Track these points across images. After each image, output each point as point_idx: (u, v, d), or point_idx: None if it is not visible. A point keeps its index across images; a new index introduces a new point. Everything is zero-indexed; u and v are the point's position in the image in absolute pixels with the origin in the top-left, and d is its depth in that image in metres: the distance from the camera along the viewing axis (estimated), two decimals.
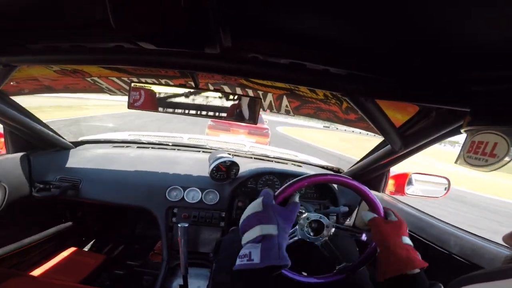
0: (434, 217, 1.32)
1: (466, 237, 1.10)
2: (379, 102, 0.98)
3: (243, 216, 0.80)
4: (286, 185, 0.87)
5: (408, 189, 1.66)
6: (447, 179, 1.68)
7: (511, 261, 0.45)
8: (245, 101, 1.09)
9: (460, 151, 0.71)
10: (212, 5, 0.52)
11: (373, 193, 0.95)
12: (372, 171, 1.60)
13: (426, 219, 1.31)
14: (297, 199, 0.85)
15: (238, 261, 0.70)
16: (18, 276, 1.20)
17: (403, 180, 1.66)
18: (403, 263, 0.78)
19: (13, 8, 0.68)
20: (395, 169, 1.65)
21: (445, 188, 1.68)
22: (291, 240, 1.04)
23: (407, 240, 0.86)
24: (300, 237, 1.03)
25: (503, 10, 0.42)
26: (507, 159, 0.58)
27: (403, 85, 0.79)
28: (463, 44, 0.57)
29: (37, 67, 1.25)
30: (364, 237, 1.00)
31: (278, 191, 0.86)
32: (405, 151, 1.20)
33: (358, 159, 1.72)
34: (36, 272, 1.58)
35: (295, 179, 0.89)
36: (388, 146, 1.26)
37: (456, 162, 0.71)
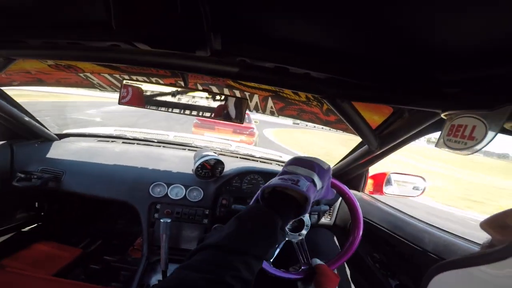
0: (410, 216, 1.37)
1: (439, 234, 1.15)
2: (356, 104, 1.04)
3: (307, 158, 0.85)
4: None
5: (387, 189, 1.71)
6: (423, 178, 1.75)
7: (488, 247, 0.43)
8: (232, 102, 1.13)
9: (440, 135, 0.74)
10: (205, 13, 0.57)
11: (353, 193, 1.02)
12: (351, 171, 1.65)
13: (403, 217, 1.37)
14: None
15: (278, 180, 0.75)
16: None
17: (381, 180, 1.70)
18: None
19: (15, 5, 0.71)
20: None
21: (422, 188, 1.74)
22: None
23: None
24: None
25: (469, 16, 0.47)
26: (485, 141, 0.60)
27: (378, 88, 0.84)
28: (434, 48, 0.61)
29: (31, 60, 1.27)
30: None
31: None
32: (381, 151, 1.27)
33: None
34: (8, 263, 1.55)
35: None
36: (366, 147, 1.32)
37: (436, 145, 0.74)
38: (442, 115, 0.77)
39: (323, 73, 0.85)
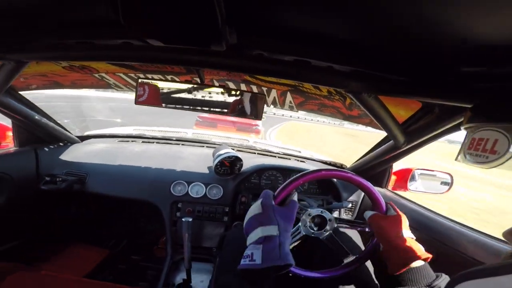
0: (437, 213, 1.32)
1: (468, 233, 1.10)
2: (382, 98, 0.99)
3: (246, 218, 0.82)
4: (285, 183, 0.89)
5: (411, 185, 1.66)
6: (450, 175, 1.67)
7: (511, 257, 0.44)
8: (247, 97, 1.10)
9: (461, 148, 0.71)
10: (219, 5, 0.53)
11: (376, 189, 0.96)
12: (375, 167, 1.60)
13: (429, 214, 1.32)
14: (295, 197, 0.87)
15: (242, 261, 0.71)
16: (24, 270, 1.22)
17: (406, 176, 1.66)
18: (405, 255, 0.80)
19: (22, 6, 0.69)
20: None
21: (448, 184, 1.67)
22: (296, 238, 1.06)
23: (407, 233, 0.87)
24: (304, 233, 1.04)
25: (504, 9, 0.43)
26: (507, 155, 0.58)
27: (406, 81, 0.80)
28: (465, 40, 0.57)
29: (46, 63, 1.27)
30: (368, 229, 1.01)
31: (278, 190, 0.88)
32: (407, 147, 1.21)
33: None
34: (41, 266, 1.60)
35: (292, 177, 0.90)
36: (391, 142, 1.27)
37: (456, 159, 0.72)
38: (462, 128, 0.74)
39: (347, 66, 0.80)
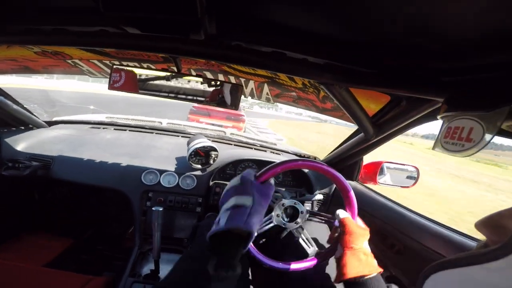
0: (404, 206, 1.37)
1: (435, 227, 1.15)
2: (353, 91, 1.03)
3: (224, 191, 0.83)
4: (268, 166, 0.91)
5: (380, 178, 1.70)
6: (417, 168, 1.74)
7: (483, 247, 0.43)
8: (227, 87, 1.11)
9: (437, 137, 0.73)
10: None
11: (352, 194, 1.00)
12: (346, 159, 1.65)
13: (397, 208, 1.37)
14: (272, 181, 0.89)
15: (211, 229, 0.72)
16: None
17: (375, 169, 1.69)
18: (364, 266, 0.84)
19: None
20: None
21: (414, 178, 1.73)
22: (267, 227, 1.08)
23: (367, 246, 0.93)
24: (275, 223, 1.07)
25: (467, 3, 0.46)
26: (482, 143, 0.59)
27: (375, 74, 0.83)
28: (433, 36, 0.60)
29: (17, 48, 1.21)
30: (336, 223, 1.03)
31: (261, 171, 0.89)
32: (377, 139, 1.26)
33: None
34: None
35: (277, 162, 0.93)
36: (362, 134, 1.31)
37: (433, 148, 0.73)
38: (439, 117, 0.76)
39: (321, 58, 0.83)
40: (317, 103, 1.44)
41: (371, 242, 0.97)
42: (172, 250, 1.56)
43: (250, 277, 1.26)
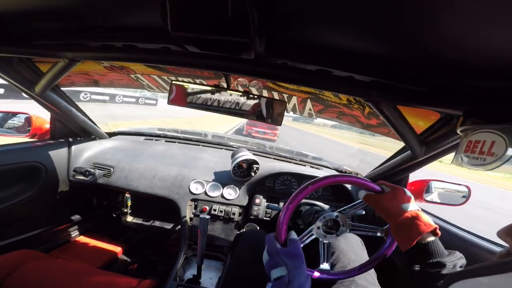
0: (454, 225, 1.32)
1: (471, 238, 1.13)
2: (401, 109, 1.02)
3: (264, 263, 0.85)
4: (280, 217, 0.90)
5: (427, 196, 1.65)
6: (468, 187, 1.65)
7: (505, 256, 0.43)
8: (270, 103, 1.15)
9: (456, 152, 0.70)
10: (253, 18, 0.60)
11: (362, 178, 0.97)
12: (391, 176, 1.60)
13: (444, 225, 1.31)
14: (293, 236, 0.89)
15: None
16: (40, 257, 1.28)
17: (422, 187, 1.65)
18: (411, 229, 0.77)
19: (81, 10, 0.78)
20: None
21: (465, 196, 1.65)
22: (308, 240, 1.08)
23: (409, 206, 0.83)
24: (316, 236, 1.07)
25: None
26: (505, 157, 0.57)
27: (425, 92, 0.83)
28: (472, 55, 0.60)
29: (90, 63, 1.38)
30: (379, 233, 1.02)
31: (276, 229, 0.90)
32: (424, 157, 1.22)
33: None
34: (58, 255, 1.68)
35: (291, 198, 0.91)
36: (408, 152, 1.28)
37: (452, 162, 0.70)
38: (458, 131, 0.74)
39: (367, 76, 0.84)
40: (362, 119, 1.43)
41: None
42: (212, 256, 1.61)
43: None
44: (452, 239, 1.19)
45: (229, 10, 0.57)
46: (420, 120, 1.16)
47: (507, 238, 0.42)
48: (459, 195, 1.68)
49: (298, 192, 0.91)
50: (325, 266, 1.06)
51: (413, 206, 0.83)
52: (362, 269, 1.04)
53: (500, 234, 0.43)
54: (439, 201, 1.67)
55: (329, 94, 1.21)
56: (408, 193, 0.89)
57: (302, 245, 1.07)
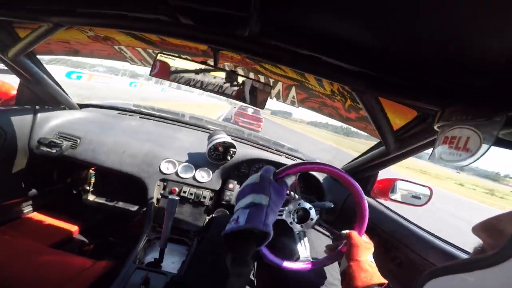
0: (412, 222, 1.38)
1: (437, 242, 1.17)
2: (382, 103, 1.05)
3: (242, 186, 0.85)
4: (290, 164, 0.93)
5: (392, 195, 1.71)
6: (430, 188, 1.74)
7: (480, 252, 0.43)
8: (256, 86, 1.15)
9: (434, 147, 0.72)
10: None
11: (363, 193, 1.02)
12: (363, 171, 1.66)
13: (404, 223, 1.38)
14: (288, 182, 0.90)
15: (227, 226, 0.74)
16: None
17: (388, 186, 1.70)
18: (371, 276, 0.86)
19: None
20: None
21: (427, 198, 1.73)
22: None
23: (371, 258, 0.95)
24: (284, 218, 1.09)
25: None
26: (480, 152, 0.58)
27: (408, 87, 0.86)
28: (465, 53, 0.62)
29: (73, 30, 1.31)
30: (339, 243, 1.06)
31: (281, 168, 0.91)
32: (397, 153, 1.27)
33: None
34: (6, 231, 1.56)
35: (300, 162, 0.95)
36: (383, 148, 1.33)
37: (429, 158, 0.73)
38: (435, 127, 0.76)
39: (355, 66, 0.87)
40: (342, 112, 1.46)
41: (374, 254, 0.99)
42: (177, 240, 1.55)
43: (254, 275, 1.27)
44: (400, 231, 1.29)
45: None
46: (397, 117, 1.21)
47: (481, 234, 0.42)
48: (421, 196, 1.76)
49: (315, 162, 0.94)
50: (305, 255, 1.09)
51: (372, 260, 0.96)
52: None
53: (475, 229, 0.43)
54: (403, 200, 1.73)
55: (314, 83, 1.23)
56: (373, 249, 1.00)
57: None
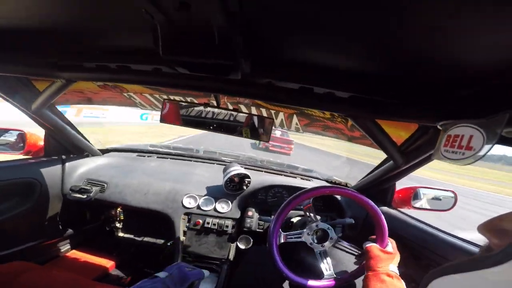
0: (438, 228, 1.36)
1: (467, 246, 1.15)
2: (381, 122, 1.08)
3: None
4: (299, 193, 0.97)
5: (415, 203, 1.68)
6: (454, 192, 1.70)
7: (486, 251, 0.42)
8: (259, 120, 1.21)
9: (437, 146, 0.72)
10: (238, 43, 0.66)
11: (384, 220, 1.03)
12: (377, 185, 1.66)
13: (431, 230, 1.36)
14: None
15: None
16: (35, 269, 1.29)
17: (409, 194, 1.68)
18: (387, 287, 0.87)
19: (75, 31, 0.83)
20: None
21: (452, 201, 1.70)
22: (294, 240, 1.12)
23: (394, 268, 0.96)
24: (303, 240, 1.11)
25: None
26: (483, 151, 0.58)
27: (399, 105, 0.89)
28: (450, 67, 0.65)
29: (86, 82, 1.43)
30: (361, 259, 1.09)
31: (293, 196, 0.97)
32: (406, 166, 1.28)
33: None
34: (50, 268, 1.69)
35: (310, 188, 0.98)
36: (391, 162, 1.34)
37: (433, 157, 0.73)
38: (438, 126, 0.76)
39: (346, 92, 0.91)
40: (346, 132, 1.49)
41: (403, 264, 0.98)
42: (205, 268, 1.56)
43: None
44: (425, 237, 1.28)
45: (215, 36, 0.62)
46: (401, 130, 1.22)
47: (486, 234, 0.42)
48: (446, 201, 1.73)
49: (284, 206, 0.97)
50: (328, 273, 1.10)
51: (396, 270, 0.97)
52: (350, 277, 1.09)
53: (480, 229, 0.43)
54: (428, 207, 1.71)
55: (313, 109, 1.27)
56: (398, 259, 1.03)
57: (288, 241, 1.12)
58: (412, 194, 1.69)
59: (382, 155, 1.39)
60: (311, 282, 1.08)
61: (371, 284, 0.89)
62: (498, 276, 0.33)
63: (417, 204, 1.70)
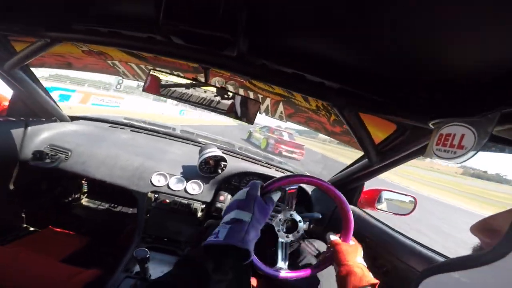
0: (398, 231, 1.43)
1: (423, 250, 1.22)
2: (363, 118, 1.11)
3: (229, 202, 0.88)
4: (276, 178, 0.97)
5: (378, 205, 1.74)
6: (414, 197, 1.79)
7: (478, 251, 0.44)
8: (245, 102, 1.20)
9: (429, 145, 0.73)
10: (241, 19, 0.65)
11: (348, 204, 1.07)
12: (349, 183, 1.71)
13: (390, 232, 1.43)
14: (274, 198, 0.92)
15: (208, 238, 0.74)
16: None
17: (374, 196, 1.75)
18: (359, 279, 0.90)
19: None
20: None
21: (412, 207, 1.76)
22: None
23: (361, 260, 1.00)
24: (273, 224, 1.12)
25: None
26: (474, 150, 0.58)
27: (384, 103, 0.92)
28: (436, 68, 0.69)
29: (68, 45, 1.35)
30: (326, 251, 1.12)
31: (268, 182, 0.95)
32: (379, 165, 1.33)
33: None
34: (17, 246, 1.57)
35: (286, 175, 0.99)
36: (366, 160, 1.38)
37: (424, 155, 0.74)
38: (430, 124, 0.78)
39: (336, 83, 0.93)
40: (327, 126, 1.53)
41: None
42: (166, 250, 1.56)
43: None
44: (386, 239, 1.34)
45: (220, 8, 0.61)
46: (379, 131, 1.27)
47: (478, 234, 0.43)
48: (406, 205, 1.80)
49: (301, 175, 0.99)
50: (281, 264, 1.11)
51: (362, 261, 1.01)
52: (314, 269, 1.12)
53: (472, 229, 0.44)
54: (390, 210, 1.78)
55: (300, 99, 1.29)
56: (362, 251, 1.06)
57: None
58: (377, 196, 1.76)
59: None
60: (284, 273, 1.08)
61: (347, 278, 0.92)
62: (489, 275, 0.34)
63: (380, 207, 1.76)
